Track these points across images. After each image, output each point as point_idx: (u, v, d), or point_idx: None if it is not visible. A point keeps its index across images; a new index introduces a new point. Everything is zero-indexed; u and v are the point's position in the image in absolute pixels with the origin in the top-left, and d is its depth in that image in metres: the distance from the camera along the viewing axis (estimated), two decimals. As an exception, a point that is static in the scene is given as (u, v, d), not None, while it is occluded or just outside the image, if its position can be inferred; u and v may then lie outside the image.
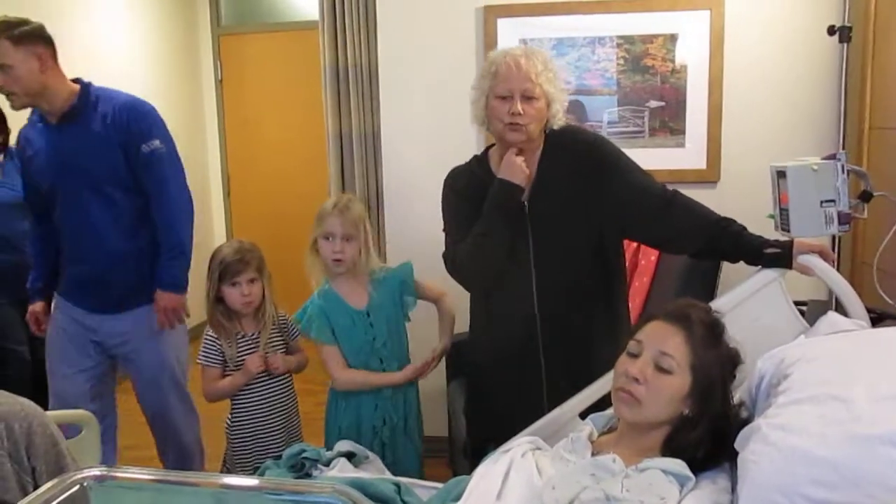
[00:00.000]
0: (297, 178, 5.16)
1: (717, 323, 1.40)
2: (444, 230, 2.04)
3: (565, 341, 1.92)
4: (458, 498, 1.40)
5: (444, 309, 2.39)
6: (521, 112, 1.84)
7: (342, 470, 1.76)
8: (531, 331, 1.93)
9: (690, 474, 1.25)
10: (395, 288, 2.30)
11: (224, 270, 2.33)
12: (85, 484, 0.93)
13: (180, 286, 2.54)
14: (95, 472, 0.94)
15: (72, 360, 2.56)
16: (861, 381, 1.20)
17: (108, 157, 2.42)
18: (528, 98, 1.85)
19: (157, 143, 2.46)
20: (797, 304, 1.81)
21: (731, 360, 1.38)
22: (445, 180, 2.06)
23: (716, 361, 1.35)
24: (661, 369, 1.34)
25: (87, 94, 2.45)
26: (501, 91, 1.86)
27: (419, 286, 2.34)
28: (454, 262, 1.98)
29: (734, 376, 1.39)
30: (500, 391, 2.00)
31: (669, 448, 1.32)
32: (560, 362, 1.93)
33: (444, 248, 2.04)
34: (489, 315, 2.03)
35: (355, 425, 2.26)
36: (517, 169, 1.87)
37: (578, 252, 1.92)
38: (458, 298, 2.11)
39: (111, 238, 2.48)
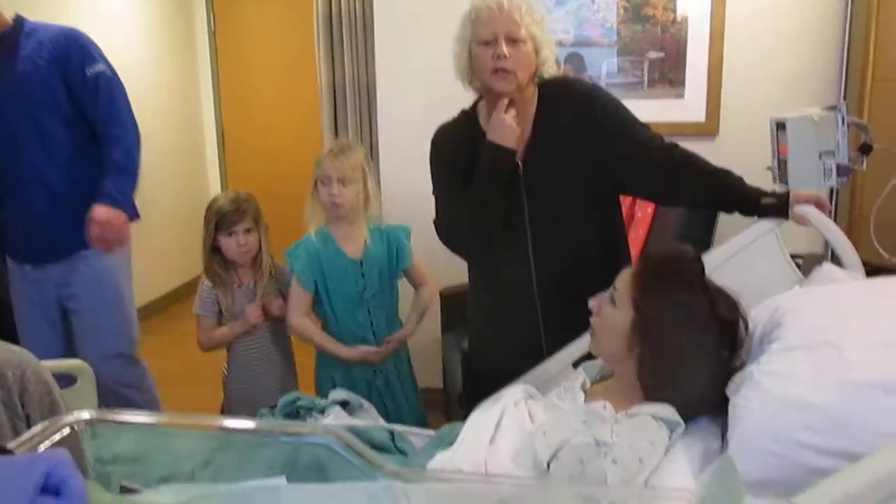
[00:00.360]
0: (293, 131, 5.12)
1: (678, 267, 1.35)
2: (433, 194, 1.95)
3: (566, 312, 1.77)
4: (452, 444, 1.41)
5: (420, 297, 2.38)
6: (507, 55, 1.70)
7: (337, 418, 1.76)
8: (530, 300, 1.86)
9: (680, 419, 1.25)
10: (392, 244, 2.29)
11: (220, 220, 2.32)
12: (76, 427, 0.93)
13: (122, 202, 2.39)
14: (85, 415, 0.93)
15: (40, 325, 2.51)
16: (855, 329, 1.20)
17: (46, 87, 2.33)
18: (513, 41, 1.71)
19: (100, 66, 2.38)
20: (793, 257, 1.80)
21: (695, 308, 1.30)
22: (433, 140, 1.95)
23: (667, 302, 1.32)
24: (611, 302, 1.39)
25: (20, 25, 2.37)
26: (484, 35, 1.73)
27: (411, 262, 2.33)
28: (446, 233, 1.90)
29: (722, 331, 1.31)
30: (500, 376, 1.82)
31: (645, 391, 1.32)
32: (561, 336, 1.80)
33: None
34: (486, 286, 1.97)
35: (348, 377, 2.27)
36: (507, 129, 1.74)
37: (577, 214, 1.84)
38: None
39: (50, 175, 2.39)
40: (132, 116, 2.46)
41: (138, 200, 2.49)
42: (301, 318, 2.28)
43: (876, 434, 1.04)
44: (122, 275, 2.57)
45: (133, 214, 2.46)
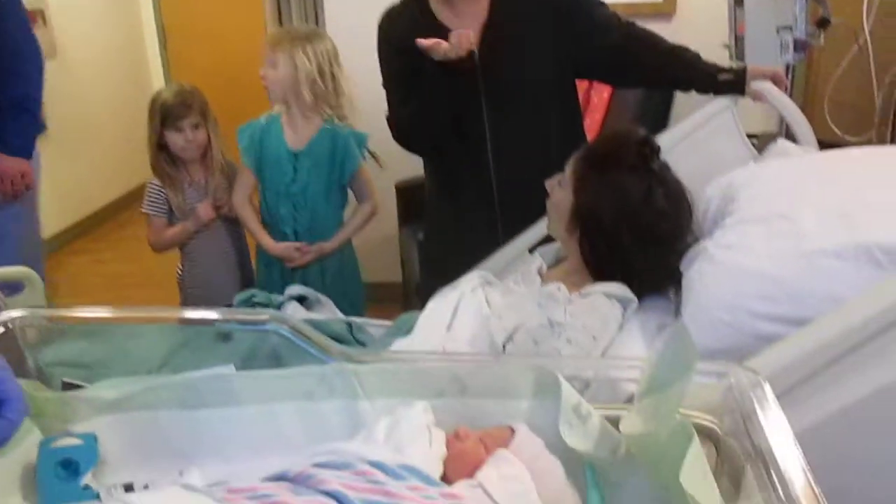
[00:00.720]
0: (236, 17, 4.91)
1: (618, 149, 1.34)
2: (383, 86, 1.86)
3: (523, 201, 1.68)
4: (410, 332, 1.41)
5: (359, 213, 2.31)
6: None
7: (294, 313, 1.75)
8: (487, 191, 1.82)
9: (632, 296, 1.26)
10: (339, 146, 2.20)
11: (166, 115, 2.24)
12: (10, 325, 0.89)
13: (28, 150, 2.24)
14: (18, 312, 0.89)
15: None
16: (808, 200, 1.20)
17: None
18: None
19: None
20: (748, 136, 1.80)
21: (630, 192, 1.28)
22: (379, 26, 1.84)
23: (601, 186, 1.31)
24: (560, 184, 1.39)
25: None
26: None
27: (360, 173, 2.25)
28: (399, 130, 1.83)
29: (661, 216, 1.29)
30: (457, 266, 1.77)
31: (591, 273, 1.32)
32: (518, 225, 1.76)
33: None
34: (443, 178, 1.93)
35: (269, 273, 2.27)
36: (453, 52, 1.60)
37: (536, 101, 1.78)
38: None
39: None
40: (31, 39, 2.23)
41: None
42: (240, 199, 2.27)
43: (828, 300, 1.04)
44: (23, 214, 2.39)
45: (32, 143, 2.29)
